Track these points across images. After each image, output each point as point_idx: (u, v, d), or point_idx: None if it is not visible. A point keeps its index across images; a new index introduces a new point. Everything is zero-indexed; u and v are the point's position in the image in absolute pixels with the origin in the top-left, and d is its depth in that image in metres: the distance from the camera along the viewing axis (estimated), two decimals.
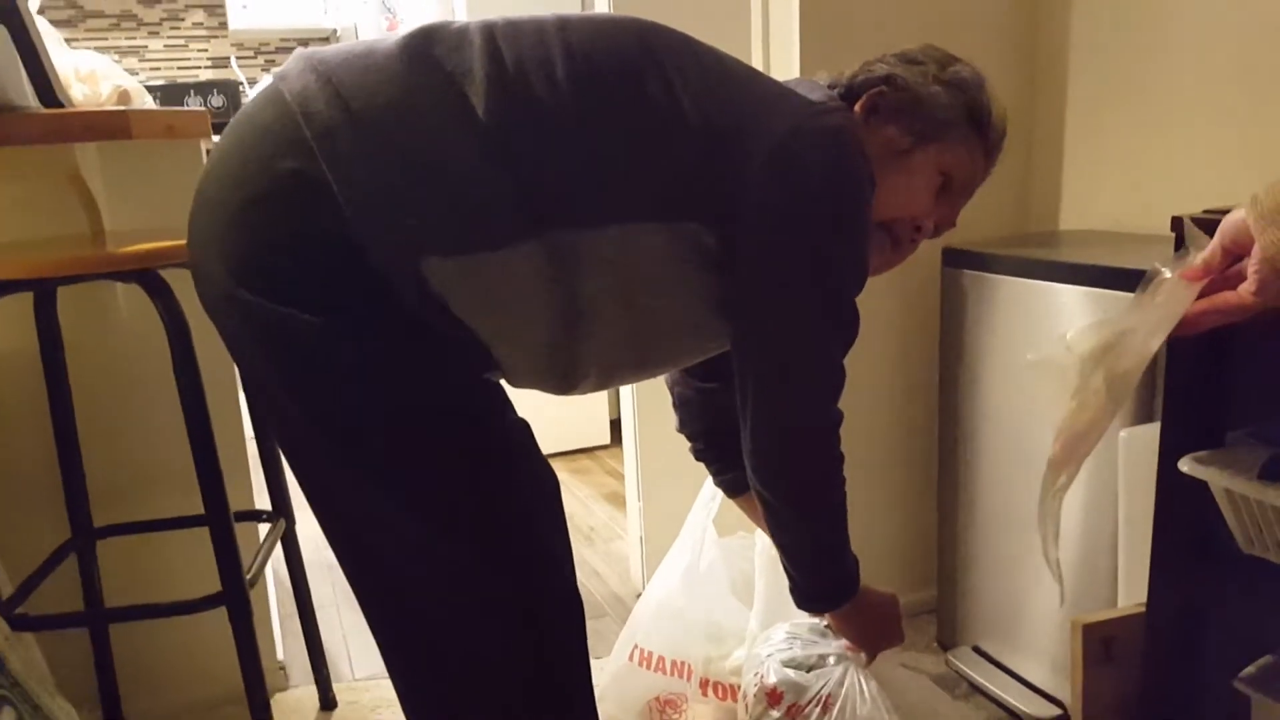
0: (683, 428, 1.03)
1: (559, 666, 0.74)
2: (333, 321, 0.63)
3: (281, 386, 0.67)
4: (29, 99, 1.07)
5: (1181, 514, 0.88)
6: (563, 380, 0.75)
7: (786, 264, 0.71)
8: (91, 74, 1.30)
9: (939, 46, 0.84)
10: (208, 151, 1.34)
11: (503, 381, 0.75)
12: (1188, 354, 0.86)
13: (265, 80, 3.33)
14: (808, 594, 0.86)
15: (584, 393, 0.78)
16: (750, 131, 0.69)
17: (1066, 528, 1.16)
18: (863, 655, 0.97)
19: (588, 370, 0.74)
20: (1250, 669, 0.87)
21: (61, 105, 1.08)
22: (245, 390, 1.22)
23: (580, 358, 0.72)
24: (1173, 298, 0.58)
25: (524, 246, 0.64)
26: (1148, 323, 0.59)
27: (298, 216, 0.63)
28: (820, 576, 0.86)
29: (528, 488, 0.72)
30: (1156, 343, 0.59)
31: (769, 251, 0.70)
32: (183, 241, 0.99)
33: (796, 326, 0.73)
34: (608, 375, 0.76)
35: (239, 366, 0.70)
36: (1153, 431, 0.91)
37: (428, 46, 0.66)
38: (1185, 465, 0.83)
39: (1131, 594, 1.02)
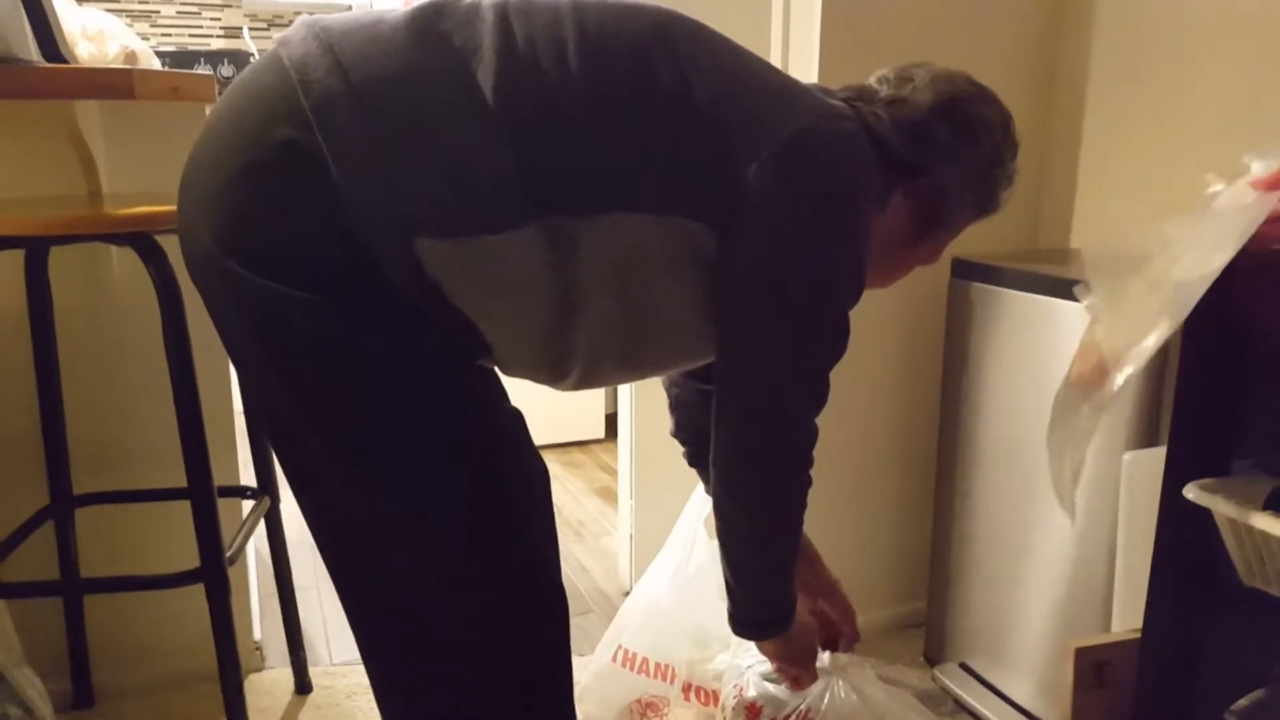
0: (678, 431, 1.01)
1: (540, 662, 0.72)
2: (320, 300, 0.61)
3: (265, 363, 0.65)
4: (32, 52, 1.04)
5: (1182, 541, 0.86)
6: (553, 372, 0.73)
7: (781, 261, 0.69)
8: (100, 33, 1.28)
9: (1002, 106, 0.79)
10: None
11: (497, 370, 0.73)
12: (1197, 379, 0.84)
13: None
14: (746, 620, 0.83)
15: (568, 389, 0.76)
16: (760, 126, 0.67)
17: (1060, 547, 1.15)
18: (801, 676, 0.95)
19: (575, 364, 0.72)
20: (1243, 701, 0.86)
21: (65, 61, 1.06)
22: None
23: (571, 350, 0.70)
24: (1243, 208, 0.52)
25: (523, 231, 0.62)
26: (1214, 233, 0.53)
27: (290, 188, 0.61)
28: (763, 603, 0.83)
29: (517, 480, 0.70)
30: (1225, 256, 0.53)
31: (765, 246, 0.68)
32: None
33: (785, 328, 0.71)
34: (592, 372, 0.74)
35: (222, 338, 0.68)
36: (1157, 455, 0.90)
37: (436, 20, 0.64)
38: (1190, 492, 0.81)
39: (1127, 619, 1.01)
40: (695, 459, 1.03)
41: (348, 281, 0.62)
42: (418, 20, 0.64)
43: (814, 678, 0.93)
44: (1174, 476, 0.85)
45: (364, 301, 0.62)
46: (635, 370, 0.79)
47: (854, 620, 0.99)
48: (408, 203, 0.61)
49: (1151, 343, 0.57)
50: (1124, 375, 0.60)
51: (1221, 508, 0.79)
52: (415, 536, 0.67)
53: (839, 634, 0.99)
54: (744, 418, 0.73)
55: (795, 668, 0.91)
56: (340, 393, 0.64)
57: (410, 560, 0.68)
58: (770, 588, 0.82)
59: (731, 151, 0.67)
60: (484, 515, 0.68)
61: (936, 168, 0.76)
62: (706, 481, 1.07)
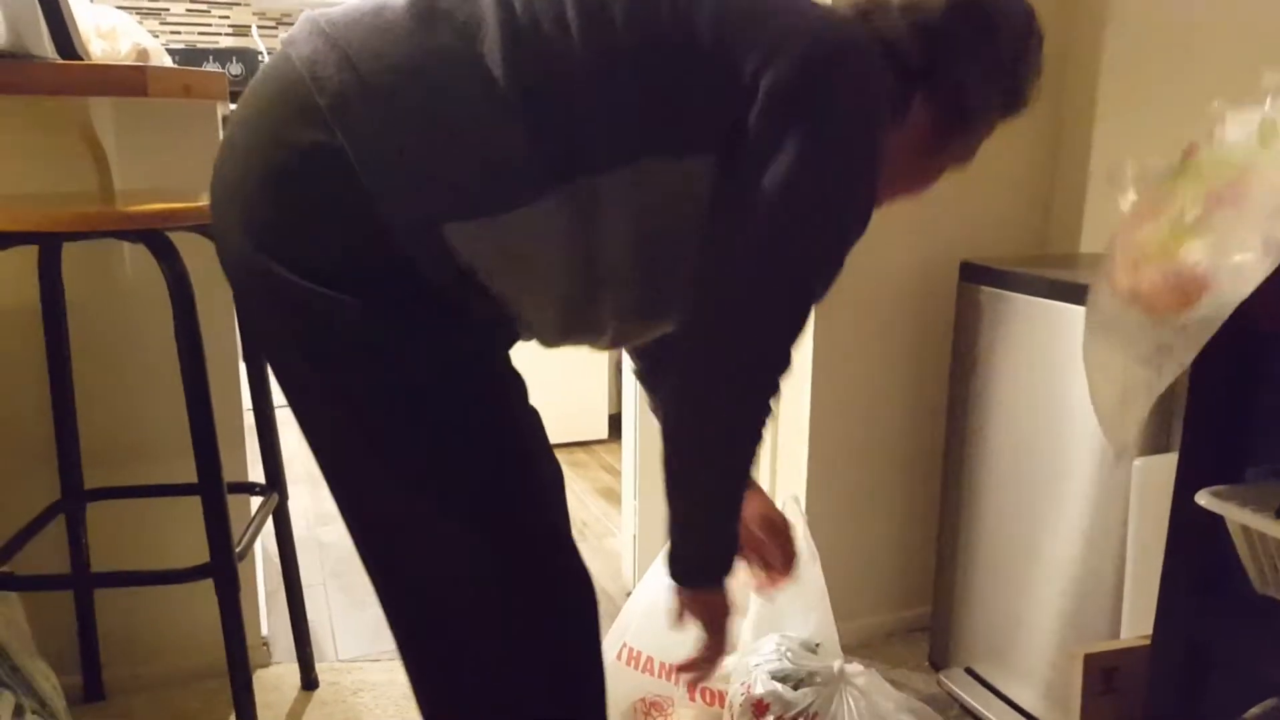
0: (638, 355, 0.97)
1: (565, 655, 0.73)
2: (355, 302, 0.62)
3: (301, 362, 0.66)
4: (47, 49, 1.05)
5: (1194, 548, 0.86)
6: (588, 334, 0.73)
7: (788, 181, 0.65)
8: (112, 30, 1.29)
9: None
10: (224, 118, 1.33)
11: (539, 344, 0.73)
12: (1210, 384, 0.84)
13: None
14: (692, 563, 0.76)
15: (605, 348, 0.75)
16: (766, 46, 0.65)
17: (1068, 552, 1.14)
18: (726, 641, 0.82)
19: (608, 323, 0.72)
20: (1255, 710, 0.85)
21: (79, 58, 1.07)
22: (249, 357, 1.20)
23: (602, 311, 0.70)
24: None
25: (547, 199, 0.63)
26: None
27: (317, 190, 0.62)
28: (713, 543, 0.75)
29: (544, 477, 0.71)
30: None
31: (770, 166, 0.65)
32: (192, 204, 0.98)
33: (782, 246, 0.66)
34: (624, 329, 0.74)
35: (258, 337, 0.70)
36: (1168, 462, 0.89)
37: (435, 0, 0.64)
38: (1203, 499, 0.81)
39: (1136, 625, 1.01)
40: (649, 376, 0.97)
41: (381, 280, 0.63)
42: (418, 3, 0.64)
43: (724, 645, 0.82)
44: (1186, 483, 0.84)
45: (397, 301, 0.63)
46: (659, 323, 0.76)
47: (789, 535, 0.93)
48: (431, 189, 0.62)
49: (1264, 269, 0.48)
50: (1225, 299, 0.49)
51: (1235, 515, 0.79)
52: (443, 533, 0.68)
53: (772, 555, 0.92)
54: (721, 335, 0.67)
55: (713, 629, 0.81)
56: (373, 394, 0.65)
57: (440, 557, 0.69)
58: (722, 526, 0.75)
59: (739, 77, 0.65)
60: (511, 515, 0.69)
61: (956, 67, 0.72)
62: (651, 399, 1.00)
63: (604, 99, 0.64)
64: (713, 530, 0.75)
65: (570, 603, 0.72)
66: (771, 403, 0.71)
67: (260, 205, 0.63)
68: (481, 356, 0.67)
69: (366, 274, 0.63)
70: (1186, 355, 0.57)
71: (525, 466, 0.69)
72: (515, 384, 0.70)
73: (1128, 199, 0.63)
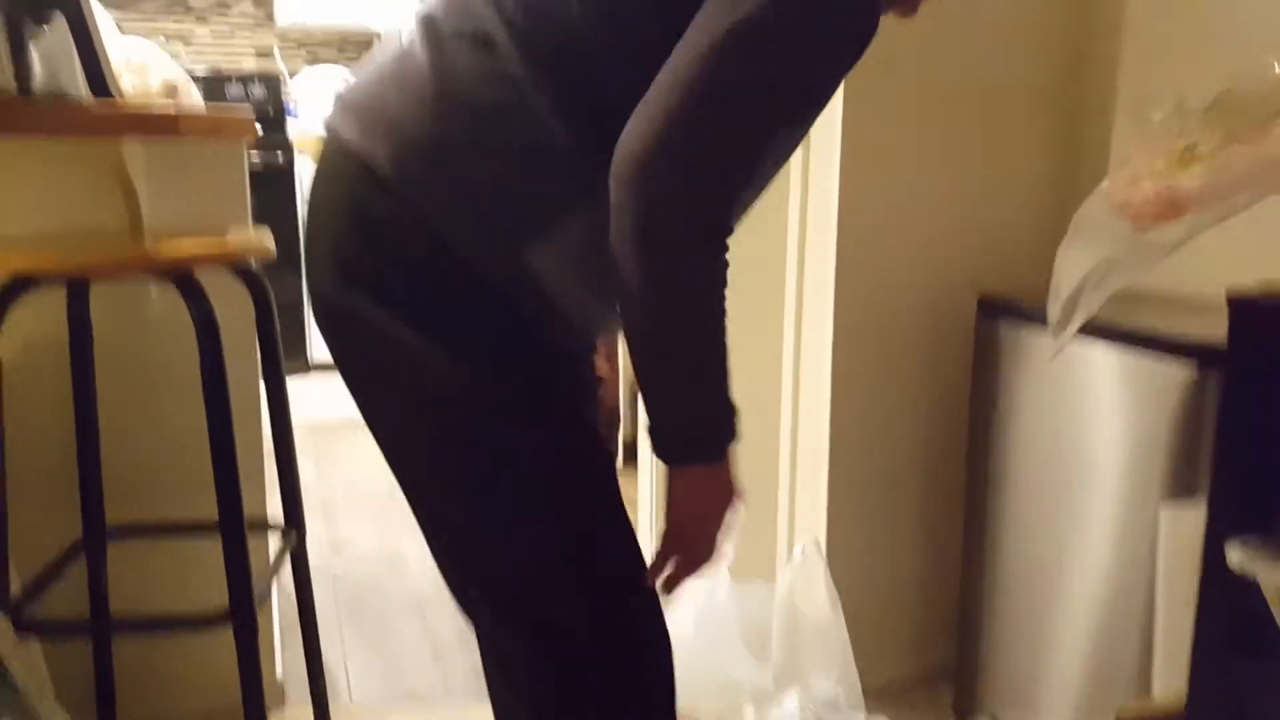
0: None
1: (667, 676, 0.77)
2: (450, 346, 0.65)
3: (407, 414, 0.68)
4: (79, 88, 1.07)
5: (1226, 602, 0.84)
6: None
7: None
8: (143, 66, 1.31)
9: None
10: (249, 150, 1.34)
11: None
12: (1241, 422, 0.82)
13: (305, 73, 3.36)
14: (684, 430, 0.63)
15: None
16: None
17: (1096, 597, 1.12)
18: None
19: None
20: None
21: (112, 95, 1.08)
22: (271, 393, 1.20)
23: None
24: None
25: (599, 185, 0.63)
26: None
27: (405, 251, 0.64)
28: (701, 401, 0.62)
29: (619, 522, 0.73)
30: None
31: None
32: (219, 243, 0.99)
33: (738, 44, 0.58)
34: None
35: (349, 378, 0.71)
36: (1196, 511, 0.87)
37: (435, 23, 0.66)
38: (1234, 556, 0.79)
39: (1169, 678, 0.98)
40: None
41: (478, 324, 0.65)
42: (425, 32, 0.66)
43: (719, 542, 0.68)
44: (1215, 534, 0.82)
45: (491, 341, 0.66)
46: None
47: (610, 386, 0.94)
48: (501, 221, 0.64)
49: (1243, 201, 0.50)
50: (1202, 221, 0.51)
51: (1268, 576, 0.77)
52: (532, 566, 0.70)
53: None
54: (658, 126, 0.58)
55: (715, 517, 0.67)
56: (463, 433, 0.67)
57: (535, 591, 0.71)
58: (704, 375, 0.62)
59: None
60: (621, 561, 0.72)
61: None
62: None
63: (623, 69, 0.63)
64: (700, 384, 0.62)
65: (652, 633, 0.75)
66: (717, 244, 0.60)
67: (357, 267, 0.66)
68: (567, 390, 0.70)
69: (463, 319, 0.65)
70: (1151, 262, 0.58)
71: (600, 513, 0.72)
72: (592, 426, 0.74)
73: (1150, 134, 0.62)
